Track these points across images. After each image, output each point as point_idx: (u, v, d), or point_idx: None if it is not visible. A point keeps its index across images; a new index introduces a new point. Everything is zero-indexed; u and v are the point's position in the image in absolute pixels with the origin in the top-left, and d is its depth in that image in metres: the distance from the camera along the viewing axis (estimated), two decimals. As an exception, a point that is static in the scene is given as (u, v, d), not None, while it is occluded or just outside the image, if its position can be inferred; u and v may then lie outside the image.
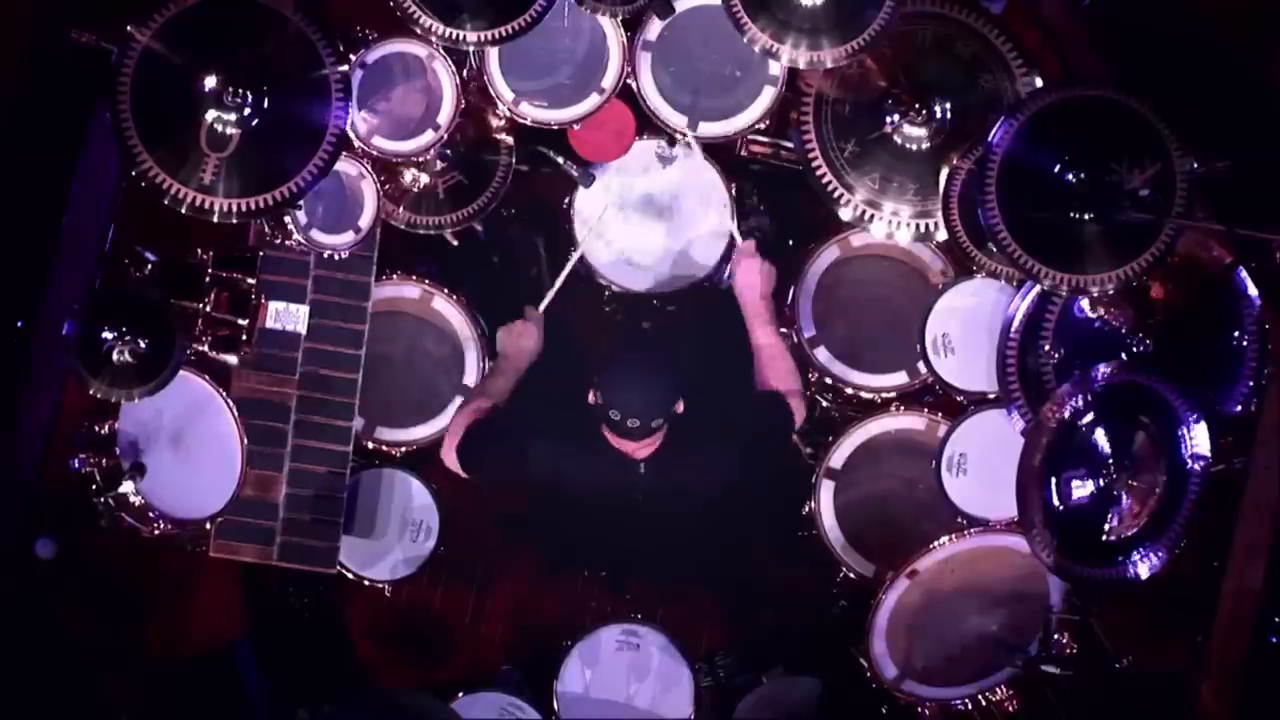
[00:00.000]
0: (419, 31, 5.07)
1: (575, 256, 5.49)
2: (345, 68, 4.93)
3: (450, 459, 5.12)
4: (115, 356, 4.88)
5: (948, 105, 5.27)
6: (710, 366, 5.52)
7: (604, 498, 5.04)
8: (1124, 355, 5.15)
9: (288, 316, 5.49)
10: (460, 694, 5.53)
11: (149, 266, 5.20)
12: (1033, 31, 5.63)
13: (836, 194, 5.32)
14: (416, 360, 5.74)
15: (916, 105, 5.24)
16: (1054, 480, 4.94)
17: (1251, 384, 5.19)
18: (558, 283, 5.42)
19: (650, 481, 4.99)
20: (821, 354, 5.61)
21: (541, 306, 5.36)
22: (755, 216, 5.80)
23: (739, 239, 5.43)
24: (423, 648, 6.01)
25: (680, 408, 4.92)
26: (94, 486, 5.17)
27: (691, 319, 5.81)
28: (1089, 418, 4.94)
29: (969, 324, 5.44)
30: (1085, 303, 5.17)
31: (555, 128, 5.47)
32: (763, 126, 5.58)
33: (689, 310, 5.77)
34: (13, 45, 5.62)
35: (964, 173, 5.16)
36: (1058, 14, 5.68)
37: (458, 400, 5.57)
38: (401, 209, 5.54)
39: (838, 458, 5.60)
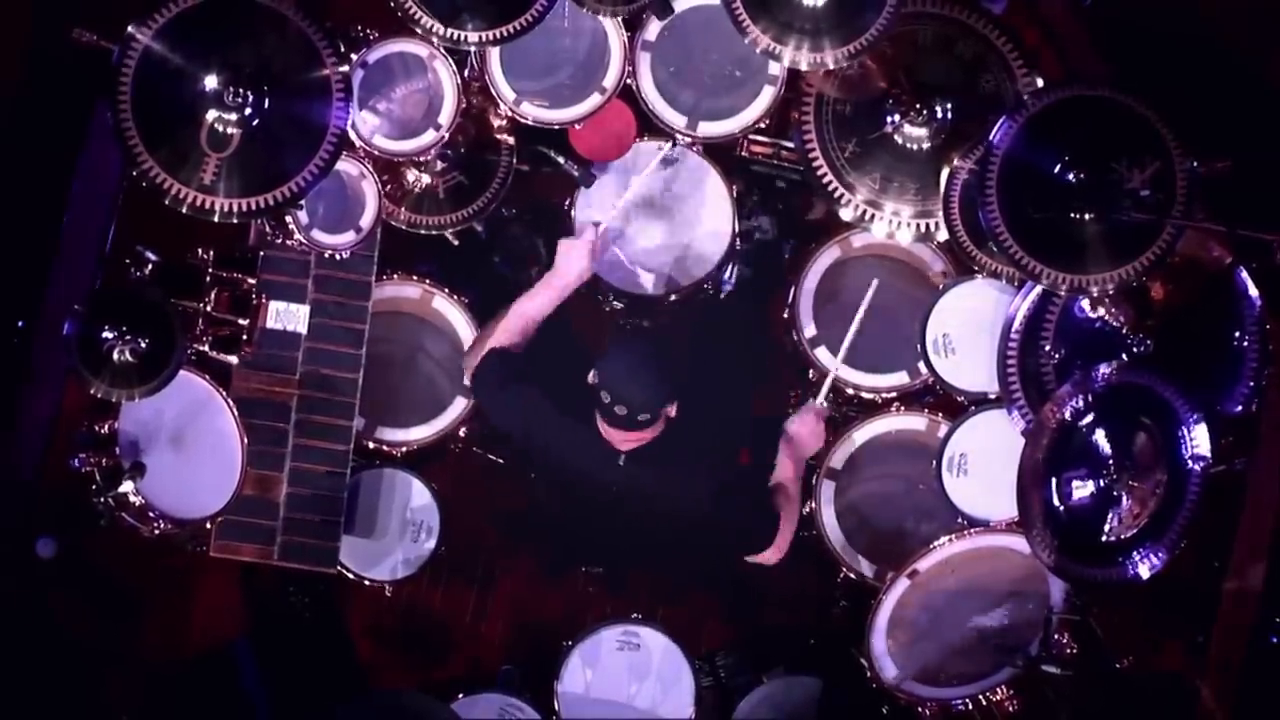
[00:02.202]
0: (419, 32, 5.07)
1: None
2: (346, 67, 4.93)
3: (469, 368, 5.21)
4: (116, 356, 4.88)
5: (948, 105, 5.26)
6: (706, 371, 5.53)
7: (580, 476, 5.05)
8: (1124, 355, 5.15)
9: (288, 316, 5.49)
10: (460, 694, 5.53)
11: (149, 266, 5.19)
12: (1033, 31, 5.64)
13: (837, 194, 5.32)
14: (417, 360, 5.74)
15: (917, 105, 5.23)
16: (1054, 481, 4.95)
17: (1251, 384, 5.19)
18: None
19: (626, 475, 5.01)
20: (822, 354, 5.61)
21: (601, 227, 5.37)
22: (755, 216, 5.80)
23: (822, 403, 5.37)
24: (423, 648, 6.01)
25: (672, 411, 4.93)
26: (94, 486, 5.16)
27: (691, 320, 5.81)
28: (1089, 418, 4.94)
29: (969, 324, 5.44)
30: (1085, 303, 5.17)
31: (556, 128, 5.48)
32: (763, 126, 5.59)
33: (689, 311, 5.77)
34: (13, 45, 5.61)
35: (964, 173, 5.16)
36: (1058, 14, 5.68)
37: (459, 400, 5.59)
38: (402, 209, 5.54)
39: (838, 458, 5.61)
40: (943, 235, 5.30)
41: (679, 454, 5.04)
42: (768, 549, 5.19)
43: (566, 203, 5.66)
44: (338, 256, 5.44)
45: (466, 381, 5.25)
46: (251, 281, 5.39)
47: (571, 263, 5.30)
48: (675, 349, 5.73)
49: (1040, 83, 5.29)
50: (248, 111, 4.78)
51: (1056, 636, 5.30)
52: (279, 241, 5.39)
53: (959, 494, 5.43)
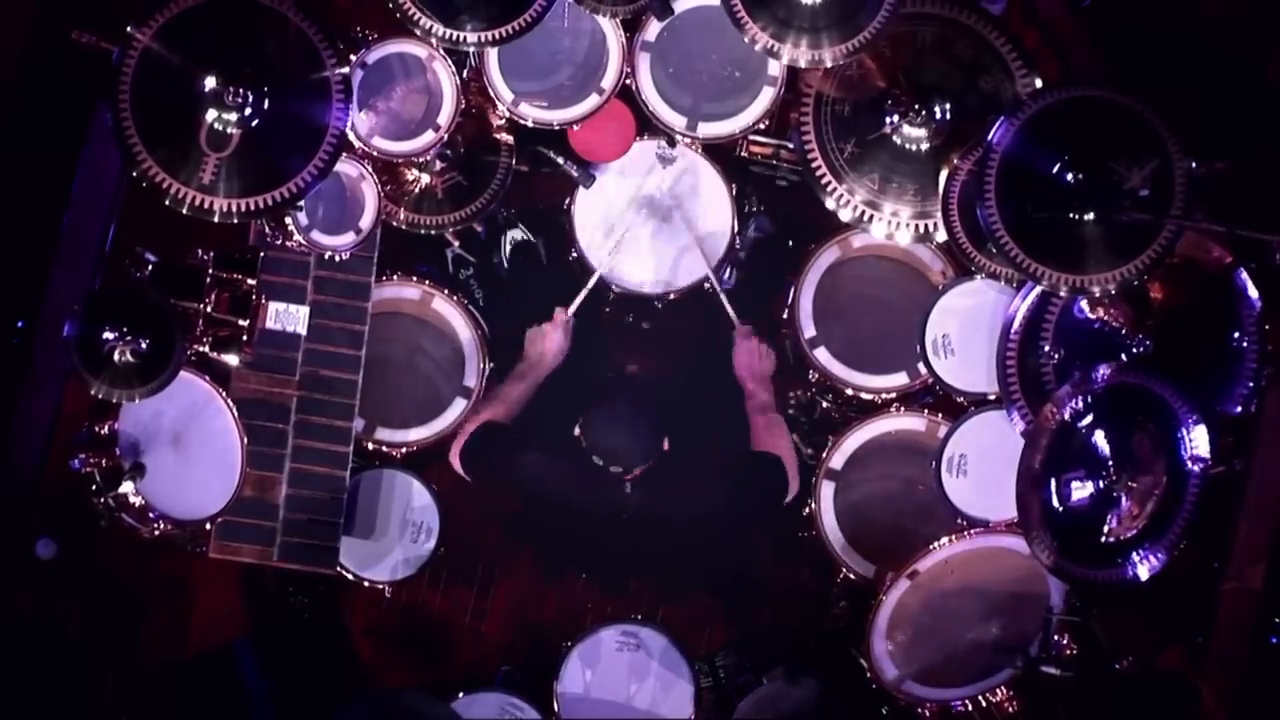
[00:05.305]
0: (418, 33, 5.07)
1: (596, 275, 5.52)
2: (346, 68, 4.93)
3: (455, 460, 5.21)
4: (116, 357, 4.87)
5: (947, 106, 5.25)
6: (708, 370, 5.53)
7: (591, 511, 5.06)
8: (1123, 356, 5.15)
9: (288, 317, 5.49)
10: (460, 694, 5.53)
11: (149, 267, 5.20)
12: (1033, 32, 5.65)
13: (836, 195, 5.31)
14: (416, 361, 5.74)
15: (916, 106, 5.23)
16: (1053, 482, 4.94)
17: (1251, 384, 5.18)
18: (585, 289, 5.49)
19: (637, 500, 5.01)
20: (821, 354, 5.61)
21: (571, 310, 5.44)
22: (755, 217, 5.80)
23: (736, 322, 5.45)
24: (423, 648, 6.01)
25: (665, 446, 4.95)
26: (94, 487, 5.16)
27: (691, 320, 5.81)
28: (1088, 419, 4.93)
29: (969, 325, 5.44)
30: (1085, 303, 5.17)
31: (555, 128, 5.48)
32: (763, 127, 5.59)
33: (689, 311, 5.77)
34: (13, 45, 5.63)
35: (964, 173, 5.15)
36: (1057, 14, 5.69)
37: (458, 401, 5.59)
38: (402, 209, 5.54)
39: (838, 458, 5.61)
40: (941, 236, 5.30)
41: (684, 462, 5.06)
42: (789, 488, 5.21)
43: (566, 202, 5.66)
44: (337, 258, 5.44)
45: (455, 464, 5.25)
46: (251, 282, 5.39)
47: (544, 351, 5.38)
48: (654, 390, 5.75)
49: (1039, 83, 5.28)
50: (247, 111, 4.78)
51: (1056, 637, 5.30)
52: (278, 243, 5.40)
53: (958, 494, 5.43)
